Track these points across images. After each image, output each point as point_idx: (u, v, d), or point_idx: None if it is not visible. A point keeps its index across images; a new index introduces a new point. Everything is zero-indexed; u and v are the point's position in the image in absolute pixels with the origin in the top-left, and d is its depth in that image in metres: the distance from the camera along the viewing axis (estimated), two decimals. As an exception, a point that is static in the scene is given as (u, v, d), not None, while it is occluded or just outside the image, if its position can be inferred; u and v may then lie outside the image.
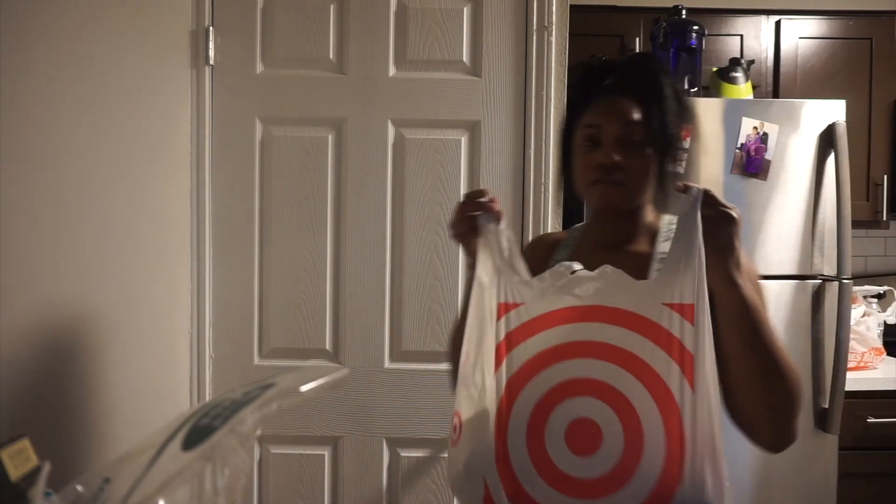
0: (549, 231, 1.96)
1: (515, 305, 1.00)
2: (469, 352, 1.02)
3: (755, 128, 2.06)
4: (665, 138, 1.12)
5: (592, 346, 0.95)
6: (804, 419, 2.07)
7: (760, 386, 0.99)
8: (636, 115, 1.11)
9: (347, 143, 2.00)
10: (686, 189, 0.98)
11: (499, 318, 1.00)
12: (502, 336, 0.99)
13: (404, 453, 2.02)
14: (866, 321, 2.36)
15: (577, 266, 1.01)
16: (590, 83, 1.20)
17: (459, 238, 1.07)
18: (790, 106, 2.09)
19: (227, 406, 0.53)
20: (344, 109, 2.00)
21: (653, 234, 1.18)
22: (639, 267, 1.10)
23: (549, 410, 0.95)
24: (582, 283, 0.98)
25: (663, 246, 1.13)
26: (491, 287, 1.02)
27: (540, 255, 1.22)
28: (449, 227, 1.08)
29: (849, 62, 2.44)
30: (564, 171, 1.24)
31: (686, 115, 1.17)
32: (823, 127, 2.08)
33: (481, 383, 0.99)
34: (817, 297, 2.10)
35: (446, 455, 1.07)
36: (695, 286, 0.94)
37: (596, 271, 0.99)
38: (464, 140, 1.99)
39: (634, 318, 0.94)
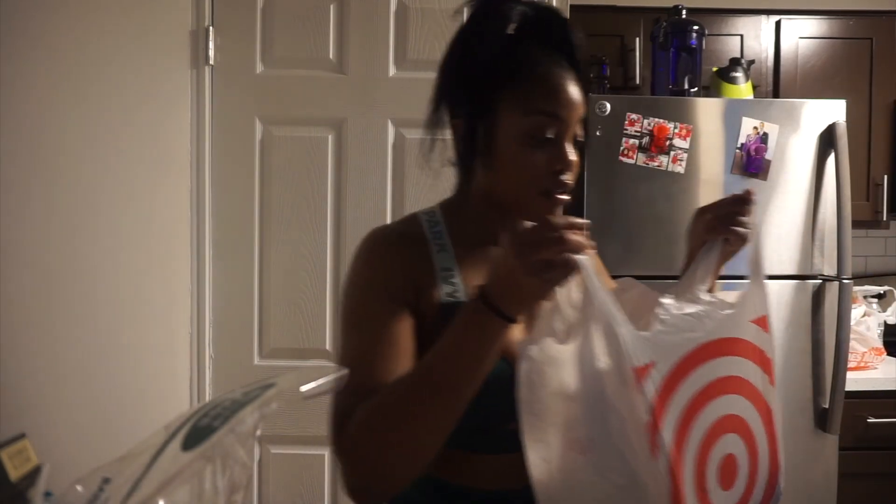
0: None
1: (648, 367, 0.78)
2: (590, 438, 0.80)
3: (755, 128, 2.06)
4: (587, 127, 0.98)
5: (723, 382, 0.86)
6: (805, 419, 2.07)
7: None
8: (583, 103, 0.93)
9: (347, 143, 2.00)
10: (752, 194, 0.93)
11: (637, 389, 0.78)
12: (646, 411, 0.78)
13: (404, 453, 2.02)
14: (866, 321, 2.36)
15: (669, 300, 0.86)
16: (521, 43, 0.93)
17: (549, 284, 0.74)
18: (790, 106, 2.09)
19: (227, 406, 0.53)
20: (344, 109, 2.00)
21: None
22: None
23: (705, 460, 0.84)
24: (698, 318, 0.86)
25: None
26: (614, 350, 0.79)
27: (411, 260, 0.93)
28: (536, 264, 0.72)
29: (849, 62, 2.44)
30: (466, 160, 0.96)
31: None
32: (823, 127, 2.08)
33: (628, 472, 0.80)
34: (817, 297, 2.10)
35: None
36: (763, 295, 0.92)
37: (687, 300, 0.89)
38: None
39: (740, 343, 0.89)
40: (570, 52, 0.93)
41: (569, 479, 0.81)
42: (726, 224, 0.95)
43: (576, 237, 0.73)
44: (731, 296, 0.92)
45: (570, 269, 0.72)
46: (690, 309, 0.87)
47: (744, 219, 0.95)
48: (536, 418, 0.81)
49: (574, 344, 0.81)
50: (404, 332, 0.88)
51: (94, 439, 1.84)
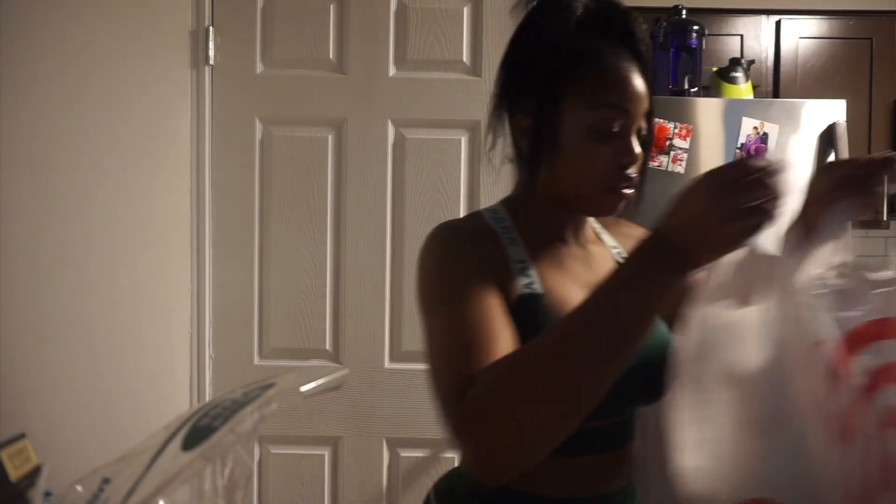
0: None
1: (829, 343, 0.70)
2: (769, 419, 0.72)
3: (755, 128, 2.06)
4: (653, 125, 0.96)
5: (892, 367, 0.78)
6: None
7: None
8: (648, 97, 0.91)
9: (347, 143, 2.00)
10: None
11: (822, 368, 0.69)
12: (831, 395, 0.70)
13: (404, 453, 2.02)
14: (866, 321, 2.36)
15: (815, 271, 0.76)
16: (588, 33, 0.90)
17: (745, 234, 0.66)
18: (790, 106, 2.09)
19: (227, 406, 0.53)
20: (344, 109, 2.00)
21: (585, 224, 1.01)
22: (603, 265, 0.97)
23: (881, 450, 0.75)
24: (853, 296, 0.77)
25: (608, 239, 1.03)
26: (798, 321, 0.70)
27: (488, 251, 0.89)
28: (735, 209, 0.65)
29: (849, 62, 2.44)
30: (530, 156, 0.92)
31: None
32: (823, 127, 2.08)
33: (805, 458, 0.72)
34: (817, 297, 2.09)
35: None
36: None
37: (835, 274, 0.79)
38: (464, 140, 1.99)
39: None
40: (633, 44, 0.91)
41: (736, 463, 0.72)
42: (862, 186, 0.83)
43: (779, 184, 0.66)
44: (881, 273, 0.81)
45: (770, 218, 0.65)
46: (843, 283, 0.77)
47: (883, 187, 0.83)
48: (702, 394, 0.71)
49: (751, 310, 0.71)
50: (503, 307, 0.82)
51: (94, 439, 1.84)
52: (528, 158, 0.93)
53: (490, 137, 0.96)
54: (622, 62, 0.88)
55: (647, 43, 0.92)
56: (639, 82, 0.88)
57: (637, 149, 0.88)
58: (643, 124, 0.90)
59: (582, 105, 0.87)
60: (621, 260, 0.98)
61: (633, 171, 0.89)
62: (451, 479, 1.02)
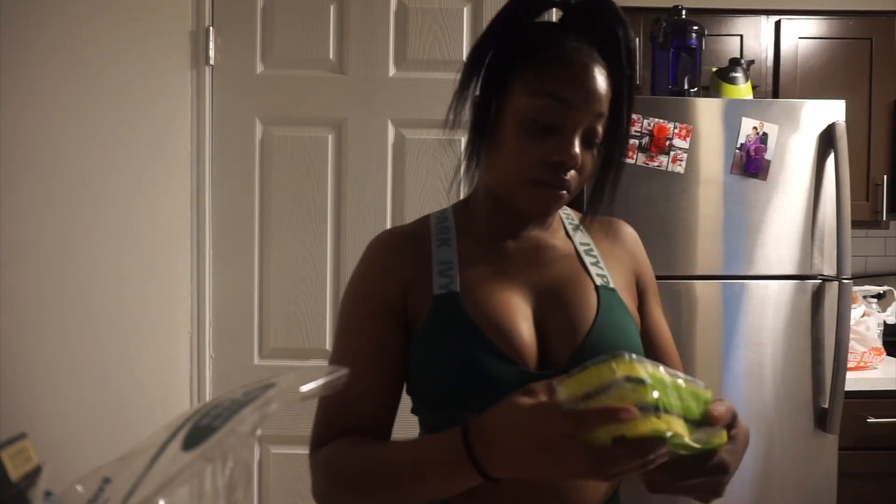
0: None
1: None
2: None
3: (755, 128, 2.06)
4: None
5: None
6: (805, 419, 2.07)
7: None
8: (607, 100, 0.82)
9: (347, 143, 2.00)
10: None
11: None
12: None
13: (404, 453, 2.02)
14: (866, 321, 2.36)
15: None
16: (539, 22, 0.86)
17: (568, 475, 0.65)
18: (790, 106, 2.09)
19: (227, 406, 0.53)
20: (344, 109, 2.00)
21: (555, 221, 0.97)
22: (559, 261, 0.92)
23: None
24: None
25: (580, 237, 0.97)
26: None
27: (404, 260, 0.89)
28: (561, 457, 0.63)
29: (849, 62, 2.44)
30: (476, 146, 0.88)
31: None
32: (823, 127, 2.08)
33: None
34: (817, 297, 2.10)
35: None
36: None
37: None
38: (464, 140, 1.99)
39: None
40: (611, 46, 0.83)
41: None
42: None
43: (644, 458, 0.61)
44: None
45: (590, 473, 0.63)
46: None
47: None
48: None
49: None
50: (384, 349, 0.88)
51: (94, 439, 1.84)
52: (470, 148, 0.89)
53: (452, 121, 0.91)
54: (581, 57, 0.81)
55: (633, 48, 0.83)
56: (596, 81, 0.81)
57: (576, 149, 0.81)
58: (598, 128, 0.83)
59: (525, 92, 0.82)
60: (589, 259, 0.94)
61: (569, 175, 0.82)
62: None
